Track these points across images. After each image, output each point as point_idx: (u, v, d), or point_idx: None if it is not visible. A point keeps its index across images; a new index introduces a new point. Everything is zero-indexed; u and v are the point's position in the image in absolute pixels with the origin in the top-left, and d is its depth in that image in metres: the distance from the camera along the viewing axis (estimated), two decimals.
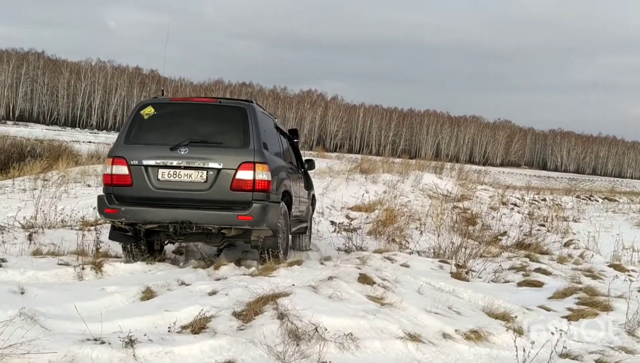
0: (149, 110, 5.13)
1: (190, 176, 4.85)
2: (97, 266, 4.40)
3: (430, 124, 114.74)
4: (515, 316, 3.82)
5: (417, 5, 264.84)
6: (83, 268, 4.32)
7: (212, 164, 4.83)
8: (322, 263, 5.47)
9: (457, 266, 6.14)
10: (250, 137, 4.92)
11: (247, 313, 3.15)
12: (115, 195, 4.95)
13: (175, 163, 4.84)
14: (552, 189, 33.76)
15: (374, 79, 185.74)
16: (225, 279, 4.11)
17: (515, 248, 9.37)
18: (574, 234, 10.10)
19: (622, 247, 10.12)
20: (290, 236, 6.05)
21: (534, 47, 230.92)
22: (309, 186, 7.52)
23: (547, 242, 9.63)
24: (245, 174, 4.81)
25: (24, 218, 7.29)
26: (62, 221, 7.74)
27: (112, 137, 66.91)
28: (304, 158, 7.62)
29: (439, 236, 8.12)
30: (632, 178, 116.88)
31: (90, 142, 44.28)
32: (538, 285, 5.32)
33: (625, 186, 76.94)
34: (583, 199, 23.99)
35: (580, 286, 5.31)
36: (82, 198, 11.36)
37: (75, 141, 42.31)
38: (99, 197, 5.08)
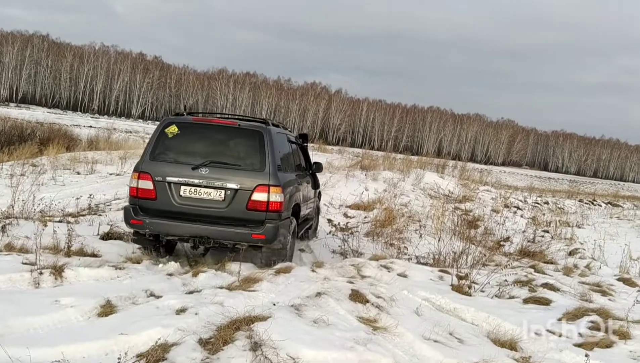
0: (173, 129, 5.43)
1: (209, 194, 5.19)
2: (57, 272, 3.95)
3: (433, 121, 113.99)
4: (528, 356, 3.36)
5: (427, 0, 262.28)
6: (41, 273, 3.86)
7: (230, 185, 5.17)
8: (313, 271, 5.03)
9: (459, 277, 5.70)
10: (266, 160, 5.26)
11: (216, 342, 2.69)
12: (140, 207, 5.31)
13: (196, 181, 5.19)
14: (554, 192, 33.22)
15: (378, 73, 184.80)
16: (199, 292, 3.65)
17: (519, 255, 8.93)
18: (581, 244, 9.66)
19: (629, 258, 9.71)
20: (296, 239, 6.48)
21: (542, 47, 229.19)
22: (315, 185, 7.88)
23: (551, 250, 9.20)
24: (260, 196, 5.14)
25: None
26: (40, 212, 7.31)
27: (113, 122, 66.08)
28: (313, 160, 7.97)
29: (439, 240, 7.68)
30: (634, 181, 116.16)
31: (91, 126, 43.77)
32: (545, 302, 4.89)
33: (627, 189, 76.30)
34: (586, 203, 23.52)
35: (591, 306, 4.88)
36: (70, 186, 10.95)
37: (76, 125, 41.86)
38: (126, 208, 5.45)
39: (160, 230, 5.29)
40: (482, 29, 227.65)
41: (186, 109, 6.74)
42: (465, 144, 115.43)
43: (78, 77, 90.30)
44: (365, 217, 11.06)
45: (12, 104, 72.92)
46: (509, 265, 5.25)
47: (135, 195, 5.33)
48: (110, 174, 12.06)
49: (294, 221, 5.89)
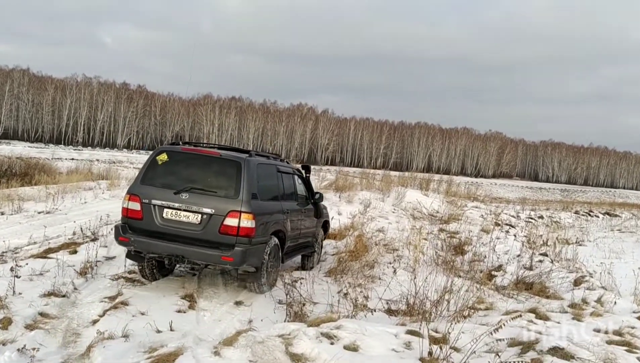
0: (163, 157, 5.92)
1: (188, 217, 5.58)
2: None
3: (421, 136, 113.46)
4: None
5: (412, 17, 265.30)
6: None
7: (205, 210, 5.53)
8: (216, 353, 3.44)
9: (433, 340, 4.14)
10: (240, 189, 5.61)
11: None
12: (129, 225, 5.76)
13: (176, 205, 5.59)
14: (547, 203, 31.86)
15: (367, 92, 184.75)
16: None
17: (514, 288, 7.40)
18: (590, 275, 8.10)
19: None
20: (290, 259, 7.14)
21: (527, 60, 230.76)
22: (318, 214, 8.08)
23: (553, 280, 7.66)
24: (231, 221, 5.48)
25: None
26: None
27: (96, 153, 64.24)
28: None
29: (414, 278, 6.10)
30: (624, 188, 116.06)
31: (73, 159, 42.18)
32: None
33: (619, 196, 75.73)
34: (582, 215, 22.15)
35: None
36: None
37: (58, 159, 40.33)
38: (116, 226, 5.89)
39: (142, 247, 5.66)
40: (469, 44, 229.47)
41: (181, 139, 7.86)
42: (454, 158, 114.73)
43: (61, 110, 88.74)
44: (334, 247, 9.50)
45: None
46: (502, 325, 3.68)
47: (126, 215, 5.79)
48: (39, 212, 10.40)
49: (273, 247, 6.13)
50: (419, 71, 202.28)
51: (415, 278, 5.97)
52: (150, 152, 7.50)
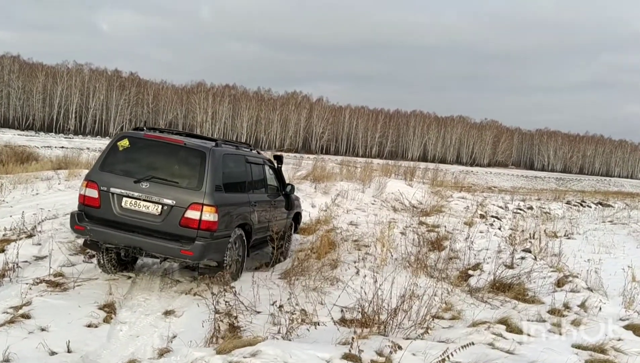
0: (125, 142, 5.65)
1: (147, 207, 5.37)
2: None
3: (417, 125, 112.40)
4: None
5: (410, 5, 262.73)
6: None
7: (166, 201, 5.34)
8: None
9: None
10: (204, 180, 5.39)
11: None
12: (85, 214, 5.51)
13: (136, 194, 5.39)
14: (539, 192, 31.15)
15: (363, 80, 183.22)
16: None
17: (491, 290, 6.68)
18: (575, 277, 7.34)
19: (631, 279, 7.56)
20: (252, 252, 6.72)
21: (525, 48, 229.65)
22: (289, 206, 7.87)
23: (534, 280, 6.93)
24: (193, 214, 5.29)
25: None
26: None
27: (87, 141, 63.10)
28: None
29: (376, 281, 5.36)
30: (619, 176, 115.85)
31: (63, 147, 41.11)
32: None
33: (613, 184, 75.41)
34: (574, 205, 21.43)
35: None
36: None
37: (47, 147, 39.25)
38: (72, 213, 5.60)
39: (98, 237, 5.45)
40: (468, 32, 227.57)
41: (146, 124, 6.71)
42: (450, 146, 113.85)
43: (52, 97, 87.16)
44: (301, 243, 8.76)
45: None
46: (448, 356, 2.96)
47: (83, 202, 5.55)
48: None
49: (238, 240, 5.99)
50: (417, 58, 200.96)
51: (375, 281, 5.25)
52: None
